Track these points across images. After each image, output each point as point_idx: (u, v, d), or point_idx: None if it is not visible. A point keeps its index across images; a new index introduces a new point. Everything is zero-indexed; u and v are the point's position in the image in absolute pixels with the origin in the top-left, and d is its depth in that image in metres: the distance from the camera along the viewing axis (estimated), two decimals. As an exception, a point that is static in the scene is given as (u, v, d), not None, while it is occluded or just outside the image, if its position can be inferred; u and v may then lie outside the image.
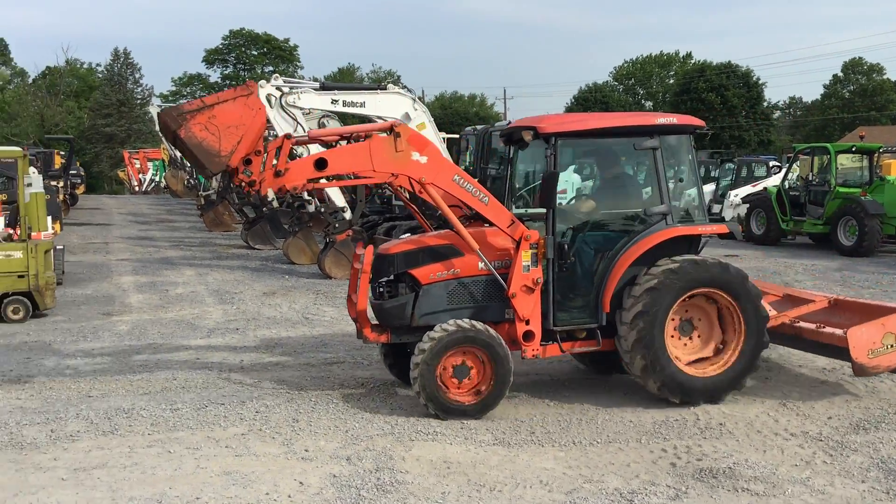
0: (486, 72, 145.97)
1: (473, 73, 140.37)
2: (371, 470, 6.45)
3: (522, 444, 7.06)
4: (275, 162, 7.52)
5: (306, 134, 8.56)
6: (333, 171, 7.88)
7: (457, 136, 20.73)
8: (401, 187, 8.16)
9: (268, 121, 8.18)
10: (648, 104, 77.75)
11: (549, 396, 8.37)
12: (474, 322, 7.74)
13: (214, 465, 6.57)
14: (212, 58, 79.50)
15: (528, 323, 7.93)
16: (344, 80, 75.61)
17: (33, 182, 13.49)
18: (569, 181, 10.25)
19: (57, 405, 8.16)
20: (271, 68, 74.83)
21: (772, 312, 8.68)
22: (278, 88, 16.36)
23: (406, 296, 8.08)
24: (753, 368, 8.22)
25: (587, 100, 71.28)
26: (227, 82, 79.03)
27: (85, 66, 77.78)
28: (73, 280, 16.50)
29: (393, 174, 7.78)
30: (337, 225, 16.85)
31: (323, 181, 8.22)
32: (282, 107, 16.09)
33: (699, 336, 8.26)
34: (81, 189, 44.14)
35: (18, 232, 13.42)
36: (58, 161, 32.29)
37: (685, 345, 8.21)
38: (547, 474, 6.41)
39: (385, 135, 7.73)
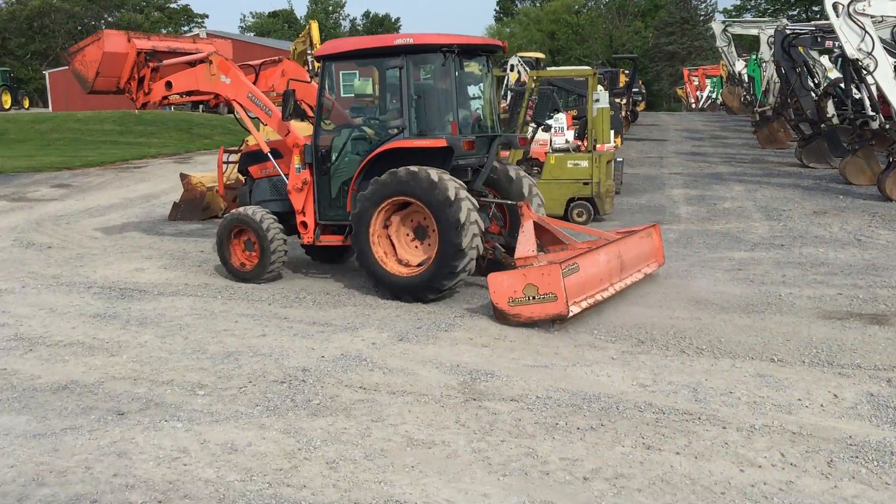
0: None
1: None
2: (914, 396, 6.17)
3: None
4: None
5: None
6: (177, 90, 10.94)
7: None
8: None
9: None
10: None
11: None
12: (258, 211, 10.00)
13: (749, 366, 6.89)
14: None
15: (304, 214, 9.93)
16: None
17: (600, 98, 14.79)
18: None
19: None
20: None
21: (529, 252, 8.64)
22: (847, -5, 15.36)
23: (247, 185, 10.86)
24: (441, 290, 8.85)
25: None
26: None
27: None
28: (630, 190, 17.82)
29: (215, 94, 10.67)
30: (904, 143, 15.47)
31: (176, 97, 11.35)
32: (849, 15, 15.14)
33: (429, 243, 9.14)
34: (642, 106, 46.33)
35: (585, 143, 14.93)
36: (622, 79, 34.37)
37: (414, 247, 9.28)
38: None
39: (204, 63, 10.61)
